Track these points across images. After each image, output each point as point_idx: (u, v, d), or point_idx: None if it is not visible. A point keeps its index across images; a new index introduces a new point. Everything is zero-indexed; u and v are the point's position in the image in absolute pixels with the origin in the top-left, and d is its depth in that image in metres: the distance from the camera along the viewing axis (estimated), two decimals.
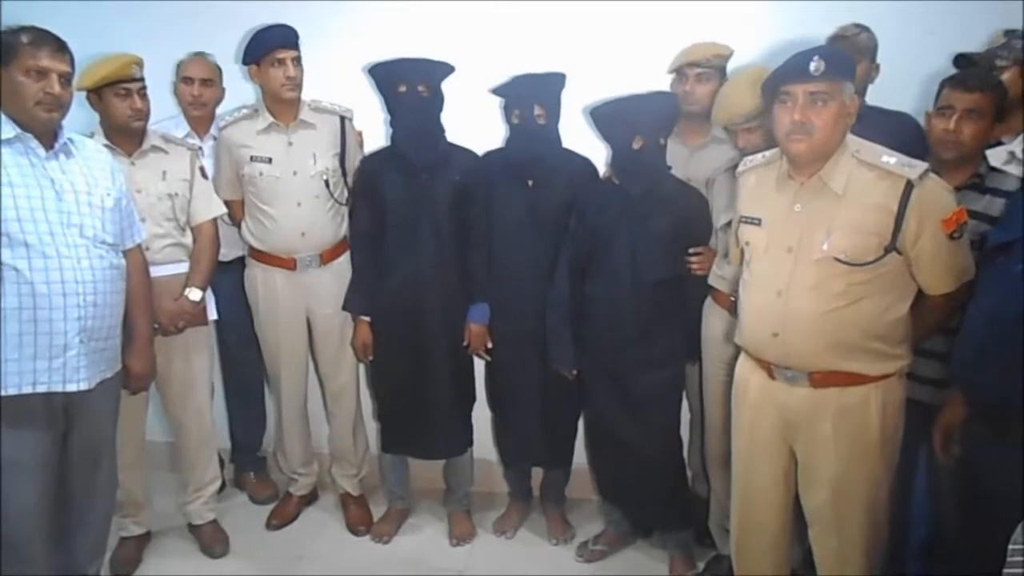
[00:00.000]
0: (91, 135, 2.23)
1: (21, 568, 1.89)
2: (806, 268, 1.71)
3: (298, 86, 2.44)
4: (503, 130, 2.50)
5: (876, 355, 1.73)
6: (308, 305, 2.61)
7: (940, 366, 1.91)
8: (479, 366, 2.64)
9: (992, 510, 1.62)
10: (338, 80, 2.69)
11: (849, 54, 1.92)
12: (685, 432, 2.48)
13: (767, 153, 1.87)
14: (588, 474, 2.67)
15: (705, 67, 2.33)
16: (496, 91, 2.41)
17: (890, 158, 1.69)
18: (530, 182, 2.41)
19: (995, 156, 1.94)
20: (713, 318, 2.25)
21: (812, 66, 1.64)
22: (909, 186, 1.64)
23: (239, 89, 2.74)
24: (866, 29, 2.26)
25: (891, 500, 1.85)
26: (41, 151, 1.85)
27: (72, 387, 1.88)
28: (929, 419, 1.86)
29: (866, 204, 1.67)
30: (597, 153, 2.49)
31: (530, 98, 2.34)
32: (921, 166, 1.67)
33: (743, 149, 2.09)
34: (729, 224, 2.04)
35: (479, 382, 2.67)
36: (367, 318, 2.54)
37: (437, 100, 2.41)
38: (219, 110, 2.74)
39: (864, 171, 1.69)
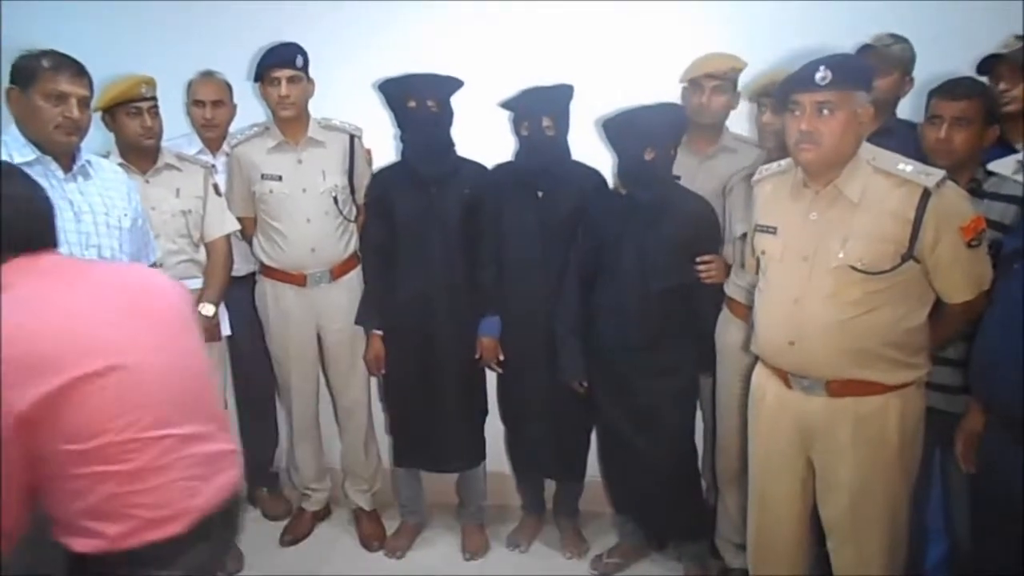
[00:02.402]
0: (107, 154, 2.25)
1: None
2: (822, 276, 1.71)
3: (293, 105, 2.43)
4: (513, 143, 2.51)
5: (894, 364, 1.72)
6: (318, 321, 2.61)
7: (952, 372, 1.91)
8: (491, 378, 2.64)
9: (1013, 517, 1.61)
10: (348, 96, 2.70)
11: (864, 63, 1.92)
12: (699, 443, 2.47)
13: (782, 162, 1.88)
14: (601, 486, 2.66)
15: (722, 79, 2.33)
16: (505, 104, 2.43)
17: (906, 166, 1.69)
18: (540, 193, 2.42)
19: (1004, 166, 1.94)
20: (729, 328, 2.25)
21: (818, 76, 1.64)
22: (926, 194, 1.64)
23: (251, 105, 2.74)
24: (901, 40, 2.22)
25: (909, 509, 1.84)
26: (60, 173, 1.86)
27: None
28: (942, 425, 1.86)
29: (882, 212, 1.67)
30: (606, 164, 2.50)
31: (538, 110, 2.35)
32: (938, 174, 1.67)
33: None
34: (746, 235, 2.04)
35: (491, 394, 2.67)
36: (380, 332, 2.55)
37: (446, 114, 2.43)
38: (232, 127, 2.73)
39: (880, 179, 1.69)
